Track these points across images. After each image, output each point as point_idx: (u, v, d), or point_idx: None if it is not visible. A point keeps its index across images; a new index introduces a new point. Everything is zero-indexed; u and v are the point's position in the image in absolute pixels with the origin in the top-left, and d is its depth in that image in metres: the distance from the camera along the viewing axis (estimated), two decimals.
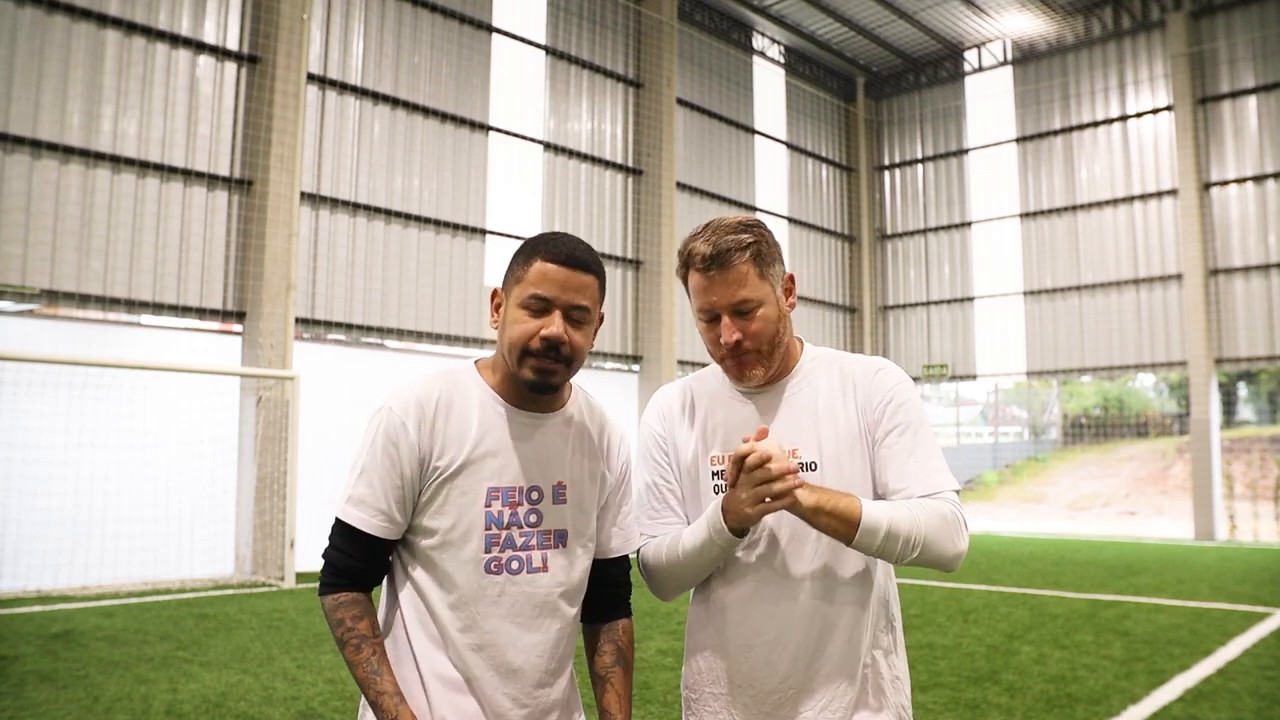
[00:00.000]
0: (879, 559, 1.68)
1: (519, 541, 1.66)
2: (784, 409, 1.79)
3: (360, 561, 1.63)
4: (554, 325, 1.61)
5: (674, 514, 1.84)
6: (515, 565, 1.66)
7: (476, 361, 1.77)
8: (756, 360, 1.75)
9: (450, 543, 1.64)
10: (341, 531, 1.65)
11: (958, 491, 1.72)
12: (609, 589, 1.81)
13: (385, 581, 1.72)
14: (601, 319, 1.73)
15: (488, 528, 1.64)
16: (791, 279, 1.81)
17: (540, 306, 1.62)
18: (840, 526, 1.57)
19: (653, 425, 1.89)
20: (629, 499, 1.85)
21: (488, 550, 1.64)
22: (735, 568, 1.76)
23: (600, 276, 1.68)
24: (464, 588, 1.63)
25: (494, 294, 1.72)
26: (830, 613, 1.72)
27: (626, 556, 1.84)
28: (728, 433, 1.80)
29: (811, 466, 1.75)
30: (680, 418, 1.87)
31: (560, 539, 1.71)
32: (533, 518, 1.68)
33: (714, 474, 1.80)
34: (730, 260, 1.69)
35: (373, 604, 1.66)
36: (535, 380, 1.64)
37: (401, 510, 1.64)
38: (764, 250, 1.73)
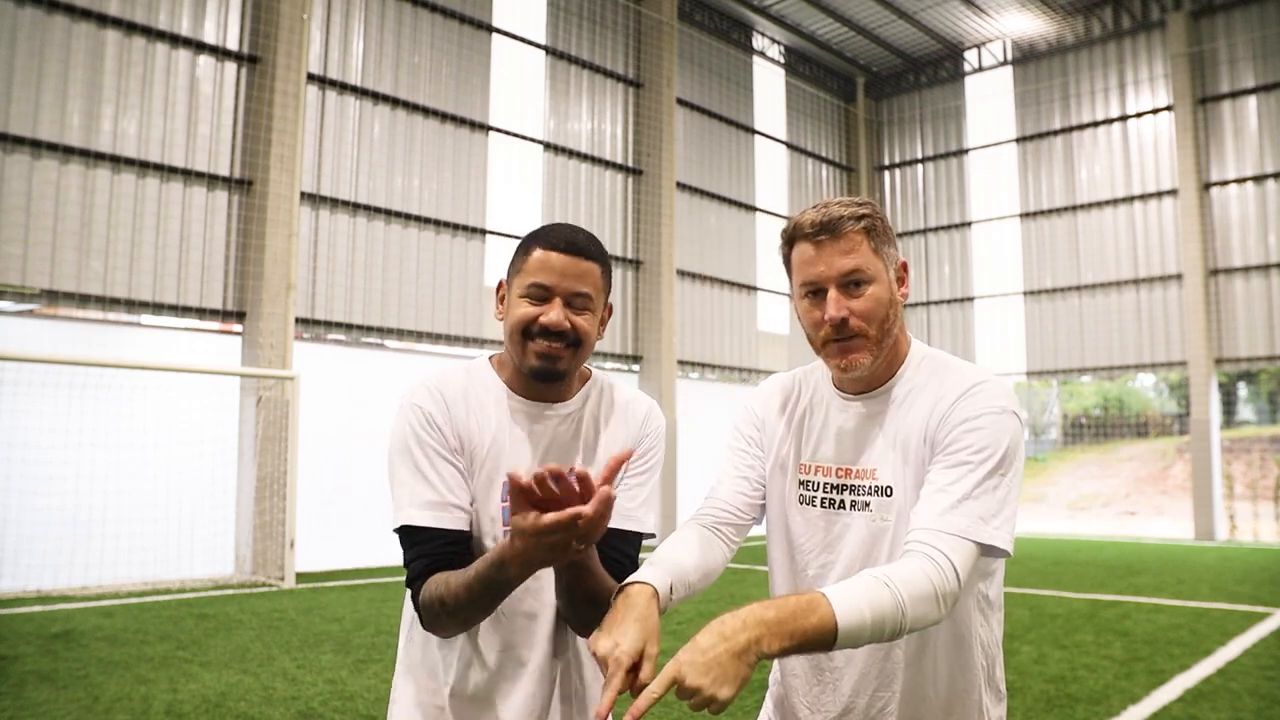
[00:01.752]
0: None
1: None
2: (876, 420, 1.63)
3: (439, 549, 1.56)
4: (553, 312, 1.58)
5: (746, 484, 1.72)
6: None
7: (490, 357, 1.76)
8: (863, 345, 1.56)
9: (471, 534, 1.64)
10: (409, 535, 1.57)
11: (989, 550, 1.46)
12: (609, 561, 1.65)
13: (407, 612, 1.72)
14: (610, 309, 1.70)
15: (506, 525, 1.62)
16: (905, 266, 1.63)
17: (540, 295, 1.59)
18: (819, 641, 1.30)
19: (753, 407, 1.78)
20: (647, 485, 1.71)
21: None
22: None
23: (603, 264, 1.66)
24: None
25: (499, 286, 1.71)
26: (904, 650, 1.59)
27: (632, 532, 1.69)
28: (820, 440, 1.68)
29: (887, 491, 1.60)
30: (779, 412, 1.75)
31: None
32: None
33: (800, 483, 1.69)
34: (842, 228, 1.54)
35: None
36: (538, 366, 1.60)
37: (459, 491, 1.59)
38: (879, 226, 1.57)
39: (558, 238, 1.62)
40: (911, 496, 1.56)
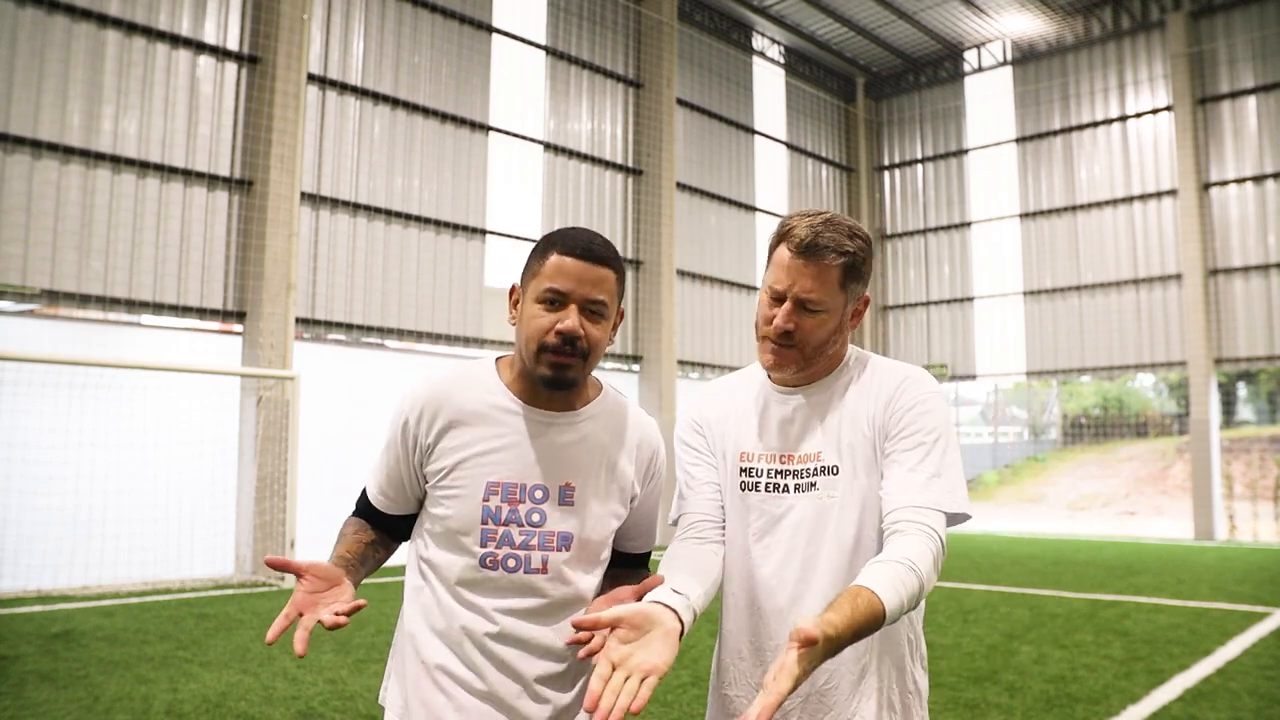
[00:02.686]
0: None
1: (518, 540, 1.64)
2: (816, 410, 1.76)
3: (375, 515, 1.79)
4: (570, 319, 1.59)
5: (708, 488, 1.85)
6: (512, 564, 1.64)
7: (498, 359, 1.76)
8: (794, 358, 1.70)
9: (450, 533, 1.66)
10: (360, 496, 1.83)
11: (954, 518, 1.64)
12: (625, 577, 1.78)
13: (406, 573, 1.77)
14: (622, 315, 1.71)
15: (484, 522, 1.64)
16: (866, 301, 1.77)
17: (557, 300, 1.60)
18: (872, 629, 1.41)
19: (691, 416, 1.91)
20: (659, 506, 1.88)
21: (484, 545, 1.64)
22: (755, 551, 1.77)
23: (618, 271, 1.66)
24: (462, 581, 1.65)
25: (512, 290, 1.71)
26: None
27: (645, 554, 1.88)
28: (760, 430, 1.79)
29: (834, 470, 1.72)
30: (717, 410, 1.88)
31: (565, 542, 1.66)
32: (535, 517, 1.65)
33: (741, 470, 1.79)
34: (823, 257, 1.65)
35: (373, 532, 1.78)
36: (551, 376, 1.62)
37: (396, 491, 1.75)
38: (857, 266, 1.68)
39: (575, 243, 1.62)
40: (857, 475, 1.70)
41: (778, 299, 1.69)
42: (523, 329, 1.64)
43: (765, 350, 1.73)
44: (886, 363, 1.79)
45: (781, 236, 1.69)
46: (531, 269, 1.66)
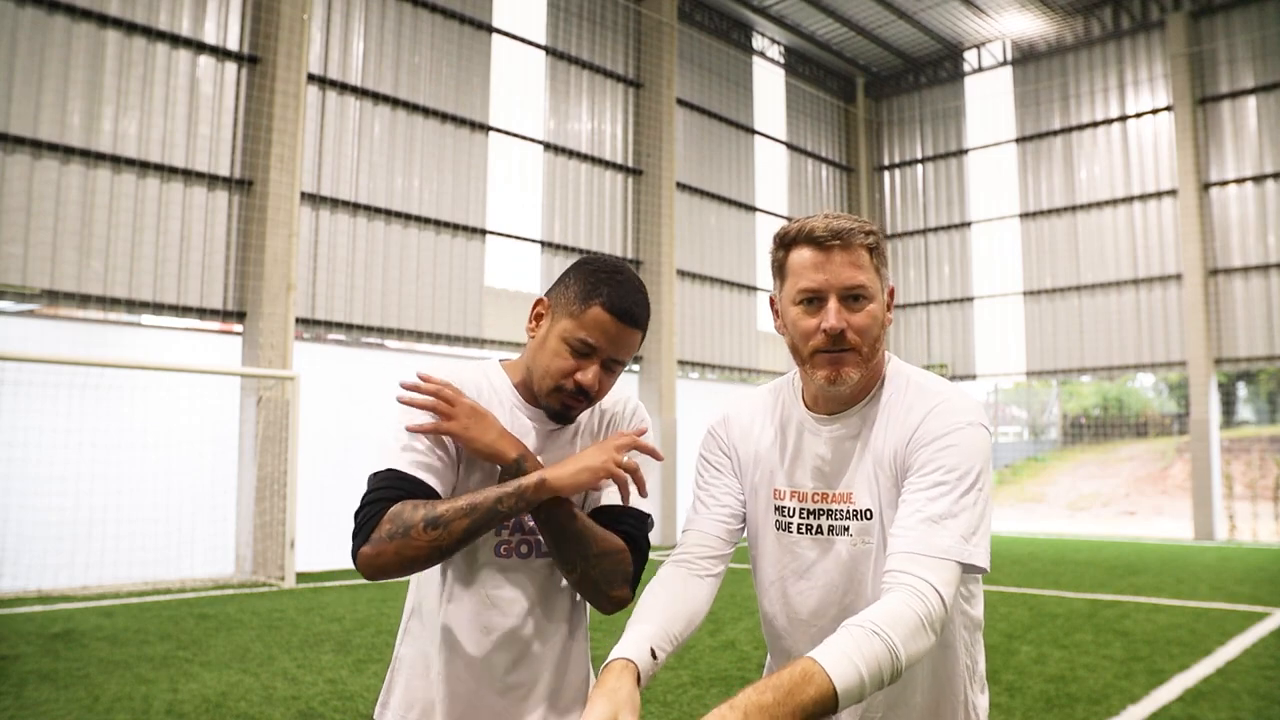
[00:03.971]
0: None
1: (528, 526, 1.68)
2: (851, 444, 1.62)
3: (415, 490, 1.56)
4: (589, 374, 1.61)
5: (722, 511, 1.71)
6: (525, 549, 1.68)
7: (501, 361, 1.79)
8: (855, 360, 1.55)
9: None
10: (386, 475, 1.57)
11: (969, 569, 1.47)
12: (621, 532, 1.67)
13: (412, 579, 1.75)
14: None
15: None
16: (893, 294, 1.63)
17: (585, 351, 1.61)
18: (821, 711, 1.28)
19: (719, 434, 1.76)
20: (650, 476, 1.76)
21: (498, 534, 1.66)
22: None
23: (646, 329, 1.68)
24: (476, 569, 1.66)
25: (538, 302, 1.69)
26: None
27: (643, 511, 1.70)
28: (794, 465, 1.67)
29: (867, 515, 1.60)
30: (747, 438, 1.74)
31: None
32: None
33: (776, 508, 1.68)
34: (853, 240, 1.53)
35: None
36: (557, 412, 1.67)
37: (446, 456, 1.61)
38: (882, 248, 1.58)
39: (620, 306, 1.60)
40: (889, 517, 1.56)
41: (812, 302, 1.55)
42: (542, 358, 1.64)
43: (818, 365, 1.56)
44: (925, 382, 1.62)
45: (795, 239, 1.57)
46: (569, 305, 1.62)
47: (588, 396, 1.64)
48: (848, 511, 1.61)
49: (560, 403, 1.64)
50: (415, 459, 1.59)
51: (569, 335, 1.61)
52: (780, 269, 1.61)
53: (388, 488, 1.56)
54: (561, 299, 1.64)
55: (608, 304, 1.59)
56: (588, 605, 1.77)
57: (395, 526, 1.50)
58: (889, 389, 1.63)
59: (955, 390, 1.60)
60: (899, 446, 1.56)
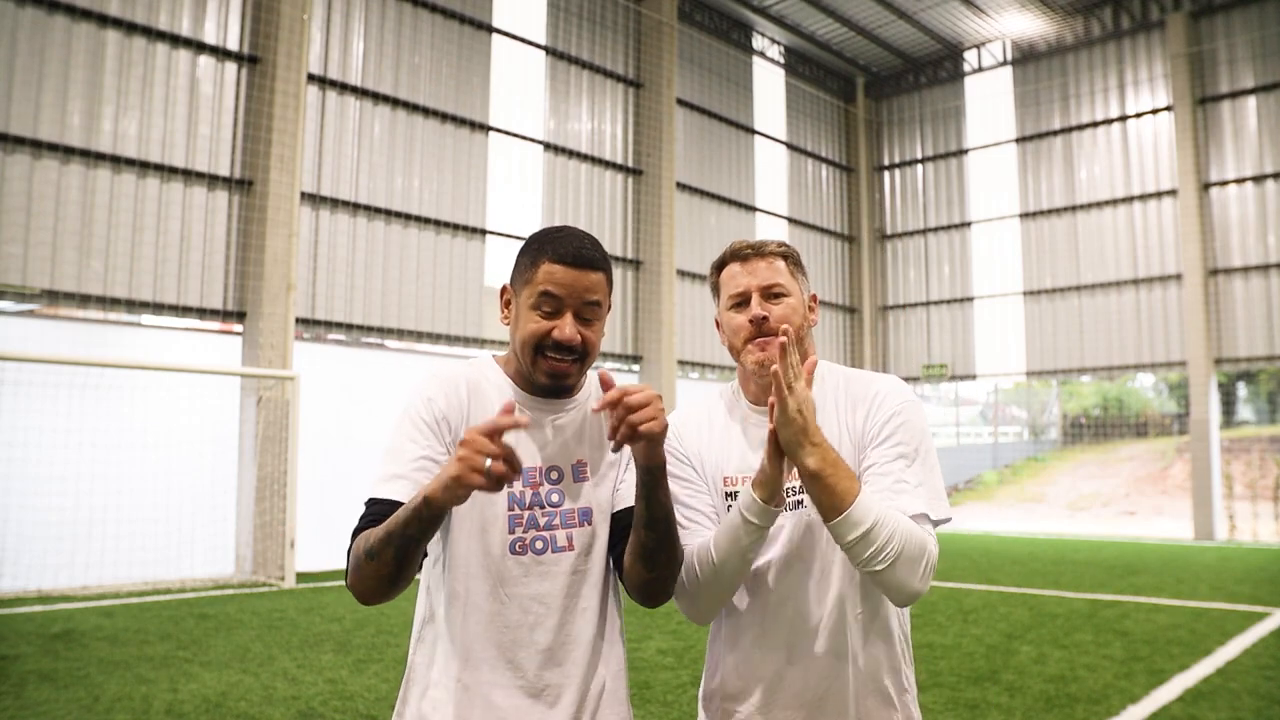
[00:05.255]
0: (844, 551, 1.63)
1: (542, 522, 1.67)
2: None
3: (384, 512, 1.57)
4: (566, 328, 1.63)
5: (706, 520, 1.81)
6: (540, 545, 1.67)
7: (494, 356, 1.80)
8: (781, 343, 1.71)
9: (475, 524, 1.66)
10: (371, 505, 1.60)
11: (938, 524, 1.70)
12: (627, 534, 1.70)
13: (422, 569, 1.70)
14: (609, 307, 1.74)
15: (510, 508, 1.66)
16: (815, 299, 1.89)
17: (551, 307, 1.63)
18: (829, 502, 1.57)
19: (672, 446, 1.85)
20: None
21: (511, 531, 1.66)
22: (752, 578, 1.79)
23: (608, 271, 1.70)
24: (491, 569, 1.65)
25: (503, 290, 1.74)
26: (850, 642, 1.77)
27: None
28: (741, 453, 1.83)
29: None
30: (694, 437, 1.89)
31: (585, 517, 1.71)
32: (555, 497, 1.70)
33: (726, 495, 1.82)
34: (768, 250, 1.84)
35: None
36: (549, 383, 1.67)
37: (425, 463, 1.62)
38: (796, 259, 1.87)
39: (566, 250, 1.64)
40: None
41: (742, 305, 1.81)
42: (518, 333, 1.67)
43: (751, 352, 1.80)
44: (859, 373, 1.87)
45: (724, 260, 1.86)
46: (523, 274, 1.68)
47: (573, 351, 1.64)
48: (799, 486, 1.75)
49: (548, 373, 1.65)
50: (399, 487, 1.59)
51: (531, 300, 1.64)
52: (715, 288, 1.89)
53: (366, 515, 1.60)
54: (518, 276, 1.70)
55: (554, 255, 1.64)
56: (620, 606, 1.77)
57: (354, 560, 1.57)
58: (822, 381, 1.84)
59: (885, 375, 1.86)
60: (853, 421, 1.78)
